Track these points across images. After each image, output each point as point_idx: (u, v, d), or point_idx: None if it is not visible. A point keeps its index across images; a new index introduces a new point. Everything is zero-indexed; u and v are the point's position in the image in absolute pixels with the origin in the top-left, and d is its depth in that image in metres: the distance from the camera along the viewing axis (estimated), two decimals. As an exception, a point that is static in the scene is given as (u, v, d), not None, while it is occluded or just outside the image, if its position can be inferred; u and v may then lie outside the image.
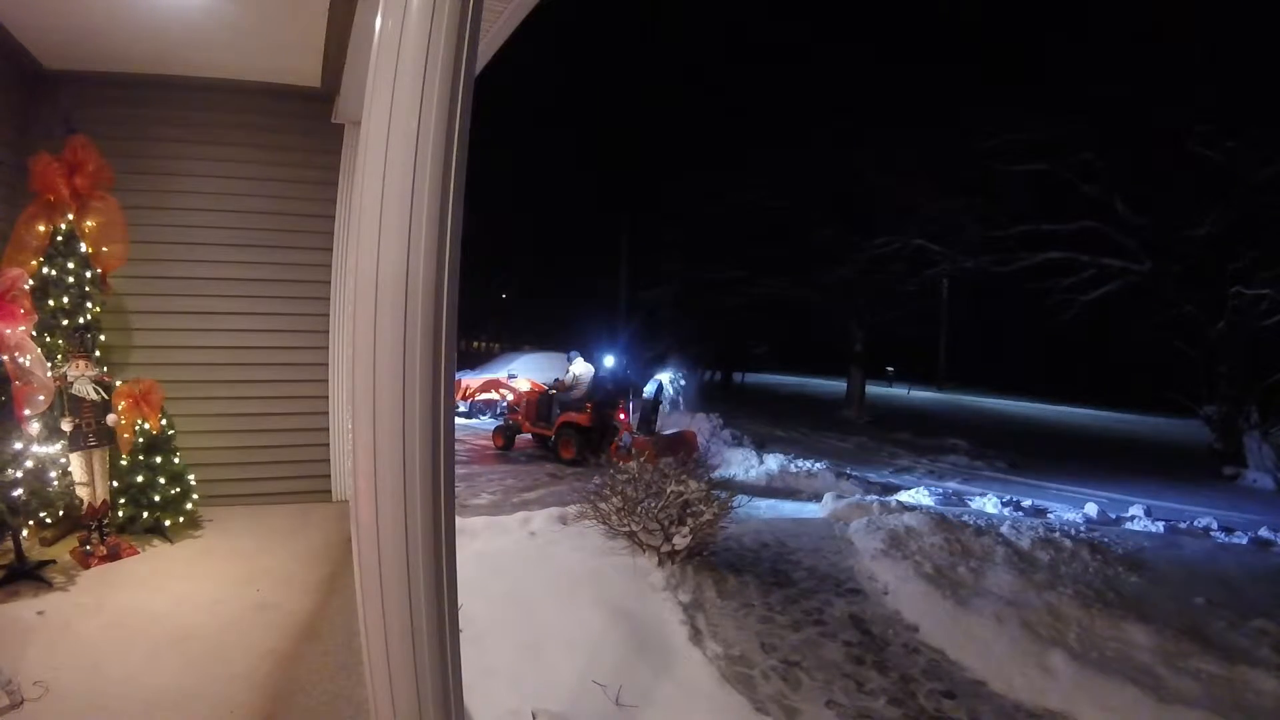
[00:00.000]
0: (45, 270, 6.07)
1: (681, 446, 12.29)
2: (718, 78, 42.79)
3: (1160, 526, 11.44)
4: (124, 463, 6.12)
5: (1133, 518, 12.10)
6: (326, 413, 7.75)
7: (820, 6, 39.65)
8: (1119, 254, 21.68)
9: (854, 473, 14.42)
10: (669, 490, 6.96)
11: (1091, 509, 12.31)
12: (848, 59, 30.68)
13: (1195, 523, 12.05)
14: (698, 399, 20.49)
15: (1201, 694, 5.10)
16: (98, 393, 5.73)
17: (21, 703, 3.49)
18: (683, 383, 13.81)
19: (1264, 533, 11.39)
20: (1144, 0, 20.23)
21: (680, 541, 6.67)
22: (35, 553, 5.43)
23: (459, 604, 2.62)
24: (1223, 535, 11.33)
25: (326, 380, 7.73)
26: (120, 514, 6.10)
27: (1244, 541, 10.82)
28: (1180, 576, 7.74)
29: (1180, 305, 20.79)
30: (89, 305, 6.28)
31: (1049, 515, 11.93)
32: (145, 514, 6.20)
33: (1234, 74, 18.15)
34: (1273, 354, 19.84)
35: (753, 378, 42.60)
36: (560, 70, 44.02)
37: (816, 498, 11.21)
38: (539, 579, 6.32)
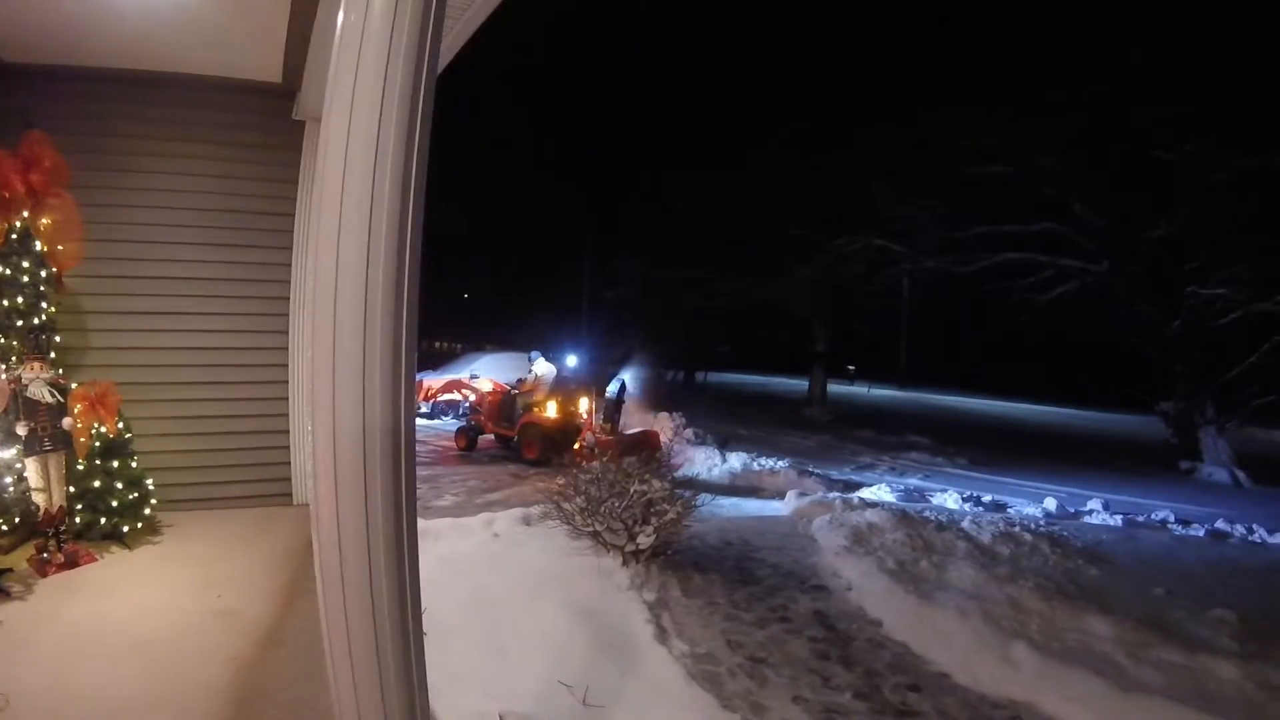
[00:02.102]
0: (-1, 269, 5.96)
1: (645, 446, 12.32)
2: (681, 79, 42.86)
3: (1118, 520, 11.62)
4: (80, 467, 6.03)
5: (1091, 512, 12.27)
6: (287, 415, 7.66)
7: (784, 8, 39.81)
8: (1077, 255, 21.98)
9: (816, 470, 14.49)
10: (633, 490, 6.97)
11: (1051, 503, 12.50)
12: (810, 60, 30.89)
13: (1153, 516, 12.26)
14: (656, 397, 20.47)
15: (1163, 683, 5.18)
16: (53, 395, 5.64)
17: (-21, 713, 3.43)
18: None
19: (1220, 525, 11.59)
20: (1103, 5, 20.52)
21: (644, 541, 6.68)
22: (-10, 560, 5.34)
23: (423, 607, 2.61)
24: (1180, 528, 11.52)
25: (286, 382, 7.65)
26: (77, 520, 6.00)
27: (1200, 534, 11.01)
28: (1139, 568, 7.86)
29: (1137, 305, 21.11)
30: (44, 305, 6.16)
31: (1009, 510, 12.06)
32: (103, 520, 6.09)
33: (1191, 78, 18.42)
34: (1227, 352, 20.22)
35: (715, 377, 42.65)
36: (524, 70, 43.83)
37: (779, 496, 11.26)
38: (503, 580, 6.31)
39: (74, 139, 6.48)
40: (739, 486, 12.74)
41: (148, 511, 6.46)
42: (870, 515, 8.75)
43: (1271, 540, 10.85)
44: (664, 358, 37.67)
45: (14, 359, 5.76)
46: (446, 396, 19.13)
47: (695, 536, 8.00)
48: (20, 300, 6.01)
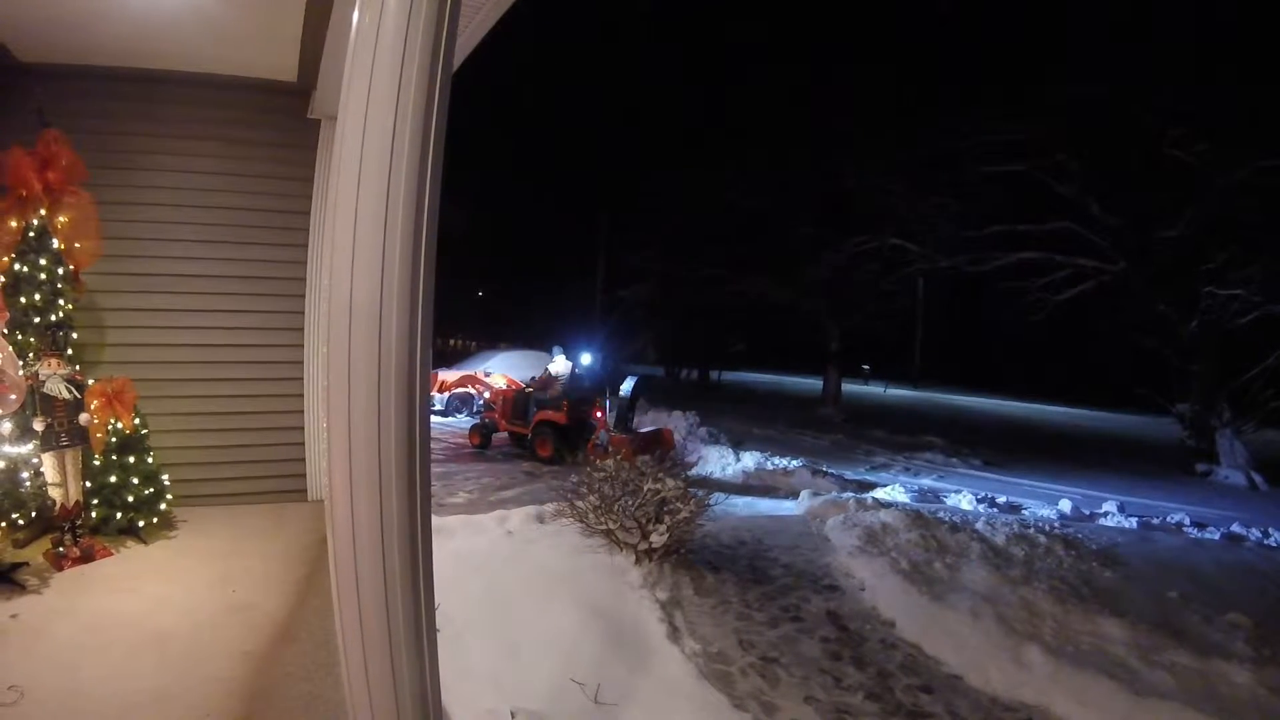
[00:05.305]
0: (17, 267, 5.97)
1: (658, 444, 12.31)
2: (697, 77, 42.91)
3: (1133, 522, 11.56)
4: (97, 463, 6.05)
5: (1106, 514, 12.21)
6: (301, 411, 7.69)
7: (800, 6, 39.74)
8: (1093, 254, 21.85)
9: (830, 470, 14.47)
10: (646, 488, 6.97)
11: (1065, 505, 12.44)
12: (826, 58, 30.85)
13: (1168, 519, 12.18)
14: (670, 395, 20.50)
15: (1176, 687, 5.16)
16: (70, 391, 5.66)
17: (-5, 706, 3.45)
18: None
19: (1236, 528, 11.52)
20: (1119, 2, 20.44)
21: (657, 539, 6.68)
22: (8, 555, 5.36)
23: (436, 603, 2.61)
24: (1195, 531, 11.45)
25: (301, 378, 7.68)
26: (94, 515, 6.02)
27: (1216, 537, 10.94)
28: (1154, 571, 7.82)
29: (1153, 305, 20.98)
30: (61, 302, 6.17)
31: (1023, 511, 12.02)
32: (119, 515, 6.12)
33: (1206, 77, 18.31)
34: (1244, 352, 20.09)
35: (729, 376, 42.67)
36: (539, 67, 43.94)
37: (793, 495, 11.25)
38: (516, 578, 6.31)
39: (90, 138, 6.52)
40: (752, 486, 12.75)
41: (163, 506, 6.49)
42: (884, 515, 8.72)
43: (1288, 544, 10.80)
44: (678, 356, 37.77)
45: (31, 355, 5.79)
46: (460, 390, 19.15)
47: (708, 535, 8.00)
48: (38, 297, 6.03)
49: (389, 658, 2.43)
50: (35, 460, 5.66)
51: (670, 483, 7.07)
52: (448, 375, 19.45)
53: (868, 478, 14.97)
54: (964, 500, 12.54)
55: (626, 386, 13.19)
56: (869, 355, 43.74)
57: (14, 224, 6.00)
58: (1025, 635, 5.85)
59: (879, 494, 12.08)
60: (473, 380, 18.65)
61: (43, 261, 6.07)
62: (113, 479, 6.13)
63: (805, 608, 6.52)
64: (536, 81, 46.10)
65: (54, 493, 5.63)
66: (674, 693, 4.80)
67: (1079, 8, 22.25)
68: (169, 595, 5.06)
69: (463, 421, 18.14)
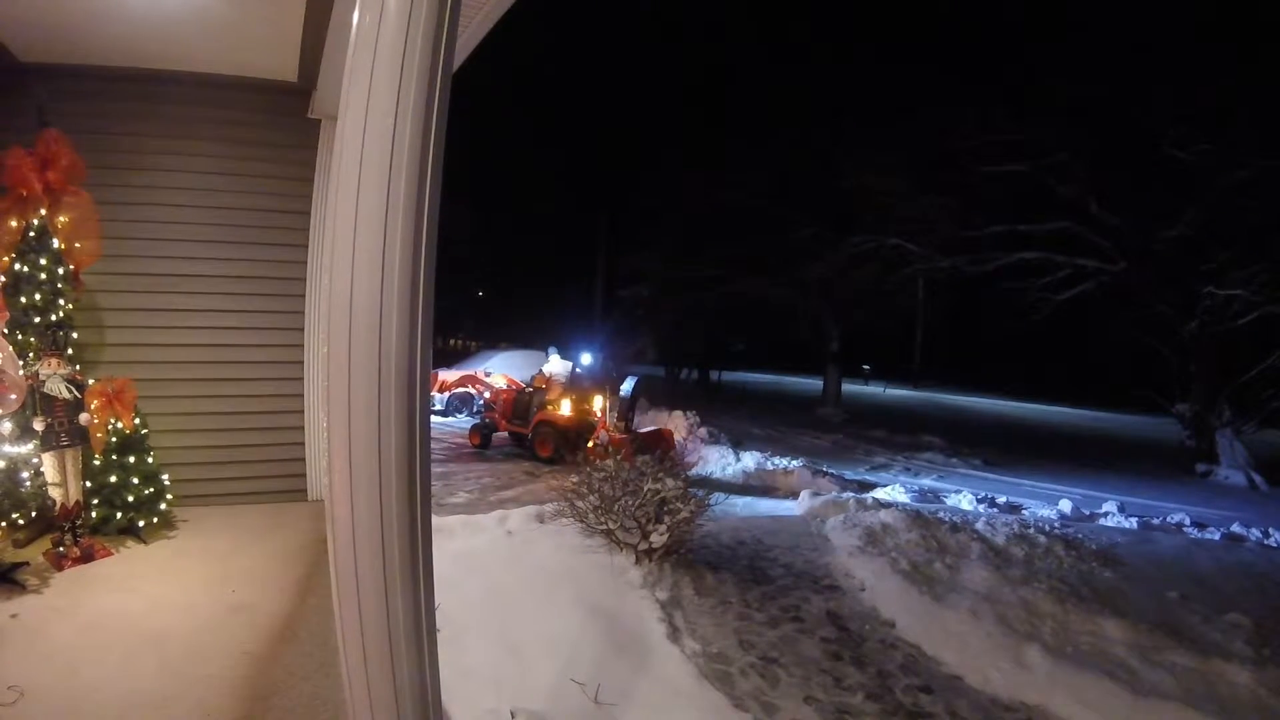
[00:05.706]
0: (17, 266, 5.97)
1: (658, 444, 12.32)
2: (697, 77, 42.89)
3: (1134, 522, 11.56)
4: (97, 462, 6.05)
5: (1106, 514, 12.21)
6: (302, 411, 7.69)
7: (800, 6, 39.74)
8: (1093, 254, 21.88)
9: (830, 470, 14.46)
10: (646, 488, 6.96)
11: (1066, 505, 12.43)
12: (827, 58, 30.87)
13: (1168, 519, 12.17)
14: (670, 395, 20.49)
15: (1176, 687, 5.16)
16: (70, 391, 5.66)
17: (-6, 706, 3.45)
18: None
19: (1236, 528, 11.52)
20: (1121, 3, 20.44)
21: (657, 539, 6.68)
22: (8, 555, 5.37)
23: (436, 603, 2.61)
24: (1195, 531, 11.44)
25: (302, 378, 7.68)
26: (94, 515, 6.02)
27: (1216, 537, 10.93)
28: (1154, 572, 7.81)
29: (1153, 305, 20.99)
30: (61, 302, 6.17)
31: (1024, 512, 12.01)
32: (119, 514, 6.12)
33: (1207, 77, 18.31)
34: (1244, 353, 20.09)
35: (729, 376, 42.60)
36: (538, 67, 43.97)
37: (793, 495, 11.24)
38: (516, 578, 6.31)
39: (90, 137, 6.51)
40: (752, 486, 12.75)
41: (163, 506, 6.49)
42: (884, 516, 8.72)
43: (1288, 544, 10.79)
44: (678, 356, 37.78)
45: (32, 355, 5.78)
46: (460, 390, 19.19)
47: (709, 535, 8.01)
48: (38, 297, 6.03)
49: (389, 657, 2.42)
50: (35, 460, 5.66)
51: (670, 483, 7.07)
52: (448, 375, 19.49)
53: (868, 478, 14.98)
54: (964, 500, 12.54)
55: (626, 386, 13.19)
56: (869, 355, 43.84)
57: (14, 224, 6.00)
58: (1025, 635, 5.85)
59: (879, 494, 12.08)
60: (473, 380, 18.68)
61: (43, 261, 6.06)
62: (113, 479, 6.13)
63: (805, 608, 6.52)
64: (537, 81, 46.14)
65: (54, 492, 5.63)
66: (674, 692, 4.80)
67: (1080, 7, 22.27)
68: (169, 595, 5.06)
69: (463, 421, 18.14)
